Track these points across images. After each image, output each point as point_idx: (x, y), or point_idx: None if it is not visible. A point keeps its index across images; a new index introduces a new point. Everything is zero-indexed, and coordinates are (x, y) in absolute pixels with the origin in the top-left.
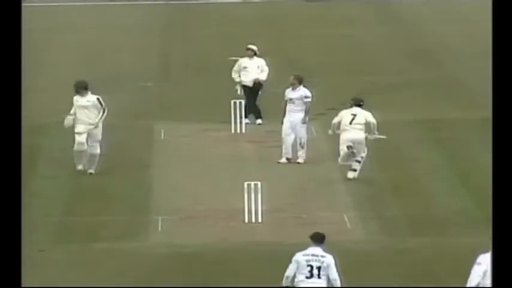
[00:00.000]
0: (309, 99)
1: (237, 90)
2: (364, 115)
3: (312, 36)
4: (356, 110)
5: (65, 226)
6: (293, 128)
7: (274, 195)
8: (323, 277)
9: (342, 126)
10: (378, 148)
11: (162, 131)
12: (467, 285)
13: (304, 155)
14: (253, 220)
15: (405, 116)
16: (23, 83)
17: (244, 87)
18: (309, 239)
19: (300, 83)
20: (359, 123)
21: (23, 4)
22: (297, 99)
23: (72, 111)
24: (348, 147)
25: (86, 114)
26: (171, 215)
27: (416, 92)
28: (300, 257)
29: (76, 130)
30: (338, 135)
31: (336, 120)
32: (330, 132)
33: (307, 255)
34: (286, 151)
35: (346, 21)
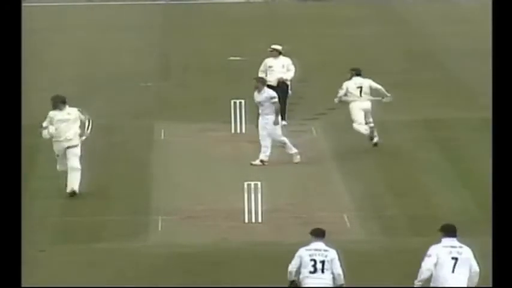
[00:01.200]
0: (276, 100)
1: None
2: (368, 83)
3: (312, 36)
4: (359, 80)
5: (65, 226)
6: (268, 131)
7: (274, 195)
8: (327, 272)
9: (351, 97)
10: (377, 148)
11: (162, 131)
12: (418, 279)
13: (293, 152)
14: (253, 220)
15: (405, 116)
16: (23, 83)
17: (269, 87)
18: (310, 235)
19: (263, 85)
20: (366, 93)
21: (23, 4)
22: (264, 101)
23: (45, 124)
24: (367, 129)
25: (66, 128)
26: (171, 215)
27: (416, 92)
28: (303, 252)
29: (55, 151)
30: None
31: (342, 92)
32: (336, 100)
33: (310, 249)
34: (264, 154)
35: (346, 21)
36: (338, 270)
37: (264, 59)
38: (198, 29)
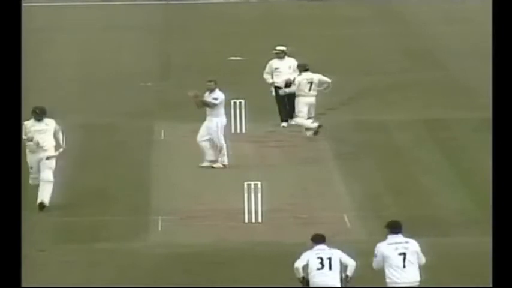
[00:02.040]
0: (217, 101)
1: (271, 92)
2: (317, 78)
3: (312, 36)
4: (309, 75)
5: (65, 226)
6: (209, 133)
7: (274, 195)
8: (335, 268)
9: (299, 92)
10: (377, 148)
11: (162, 131)
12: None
13: (224, 159)
14: (253, 220)
15: (405, 116)
16: (23, 83)
17: (276, 88)
18: (311, 241)
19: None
20: (315, 90)
21: (23, 4)
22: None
23: (24, 136)
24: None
25: (42, 139)
26: (171, 215)
27: (416, 92)
28: (308, 253)
29: (29, 163)
30: None
31: (294, 87)
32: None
33: (315, 250)
34: (208, 155)
35: (346, 21)
36: (350, 261)
37: (264, 59)
38: (198, 29)
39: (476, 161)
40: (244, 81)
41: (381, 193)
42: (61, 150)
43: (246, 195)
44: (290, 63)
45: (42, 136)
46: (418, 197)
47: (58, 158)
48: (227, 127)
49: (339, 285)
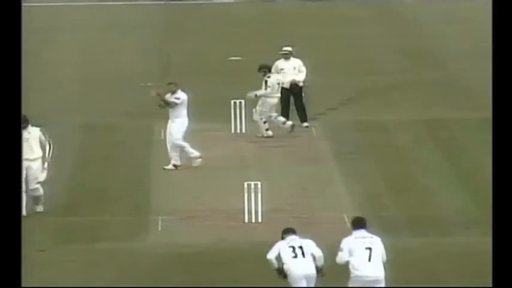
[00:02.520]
0: (178, 101)
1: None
2: (288, 80)
3: (312, 36)
4: (280, 77)
5: (65, 226)
6: (170, 132)
7: (274, 195)
8: (307, 256)
9: (270, 94)
10: (378, 148)
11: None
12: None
13: (177, 159)
14: (253, 220)
15: (405, 116)
16: (23, 83)
17: (282, 89)
18: (282, 234)
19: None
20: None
21: (23, 4)
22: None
23: None
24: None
25: (26, 147)
26: (171, 215)
27: (416, 92)
28: (279, 244)
29: None
30: None
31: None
32: (253, 96)
33: (286, 240)
34: (174, 158)
35: (346, 21)
36: (319, 253)
37: (264, 59)
38: (198, 29)
39: (476, 161)
40: (244, 81)
41: (381, 193)
42: (46, 165)
43: (246, 195)
44: (295, 63)
45: (25, 145)
46: (418, 197)
47: (54, 162)
48: (227, 127)
49: (315, 272)
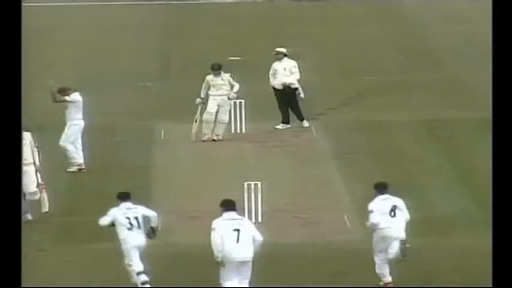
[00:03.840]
0: (68, 98)
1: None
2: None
3: (312, 36)
4: (226, 76)
5: (65, 226)
6: (66, 133)
7: (274, 195)
8: (142, 226)
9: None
10: (378, 148)
11: (162, 131)
12: (215, 253)
13: (77, 160)
14: (253, 220)
15: (405, 116)
16: (23, 83)
17: (274, 90)
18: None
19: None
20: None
21: (23, 4)
22: (70, 106)
23: None
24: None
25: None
26: (171, 215)
27: (416, 92)
28: (115, 211)
29: None
30: None
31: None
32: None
33: (121, 209)
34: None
35: (346, 21)
36: (152, 213)
37: (264, 59)
38: (198, 29)
39: (476, 161)
40: (244, 81)
41: None
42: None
43: (246, 195)
44: (286, 65)
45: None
46: (418, 197)
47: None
48: (227, 127)
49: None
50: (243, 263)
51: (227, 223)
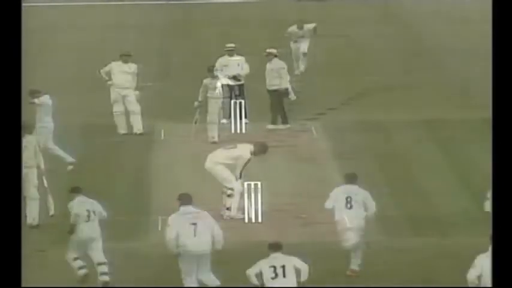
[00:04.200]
0: (36, 101)
1: None
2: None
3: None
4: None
5: (65, 226)
6: None
7: (274, 195)
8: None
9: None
10: (378, 148)
11: (162, 131)
12: (170, 248)
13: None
14: (253, 220)
15: (405, 116)
16: (23, 83)
17: (268, 92)
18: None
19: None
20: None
21: (23, 4)
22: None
23: None
24: None
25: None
26: (171, 215)
27: (416, 92)
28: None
29: None
30: None
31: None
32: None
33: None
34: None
35: (346, 21)
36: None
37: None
38: (198, 29)
39: (476, 161)
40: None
41: (381, 193)
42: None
43: (246, 195)
44: (274, 66)
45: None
46: (418, 197)
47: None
48: (227, 127)
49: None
50: (201, 256)
51: (183, 217)
